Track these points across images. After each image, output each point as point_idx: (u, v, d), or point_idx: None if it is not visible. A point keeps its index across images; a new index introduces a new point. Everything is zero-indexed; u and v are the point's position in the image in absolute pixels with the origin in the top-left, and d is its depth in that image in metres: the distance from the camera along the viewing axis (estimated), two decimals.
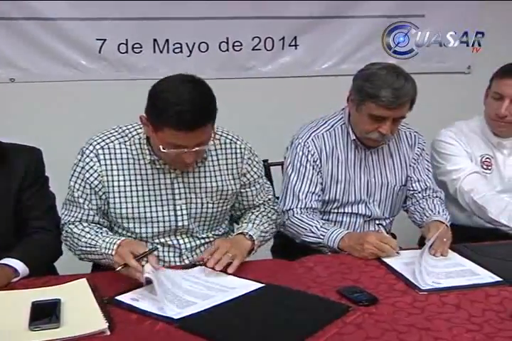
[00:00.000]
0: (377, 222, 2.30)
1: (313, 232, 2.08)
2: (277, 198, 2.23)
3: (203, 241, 2.02)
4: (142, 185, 1.88)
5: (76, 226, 1.87)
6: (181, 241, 1.98)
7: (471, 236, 2.12)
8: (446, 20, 3.34)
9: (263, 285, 1.69)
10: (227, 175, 1.98)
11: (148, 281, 1.58)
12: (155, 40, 3.09)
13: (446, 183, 2.41)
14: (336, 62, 3.33)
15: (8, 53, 2.97)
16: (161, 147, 1.74)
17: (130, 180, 1.88)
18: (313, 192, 2.18)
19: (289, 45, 3.26)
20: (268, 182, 2.17)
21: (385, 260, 1.89)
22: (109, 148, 1.87)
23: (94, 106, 3.06)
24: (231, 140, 2.00)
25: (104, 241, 1.76)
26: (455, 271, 1.82)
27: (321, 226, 2.08)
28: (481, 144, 2.45)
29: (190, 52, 3.15)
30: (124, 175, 1.87)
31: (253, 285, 1.69)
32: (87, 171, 1.86)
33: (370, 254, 1.90)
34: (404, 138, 2.30)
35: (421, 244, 2.15)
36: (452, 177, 2.38)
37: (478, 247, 2.01)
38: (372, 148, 2.22)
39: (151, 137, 1.82)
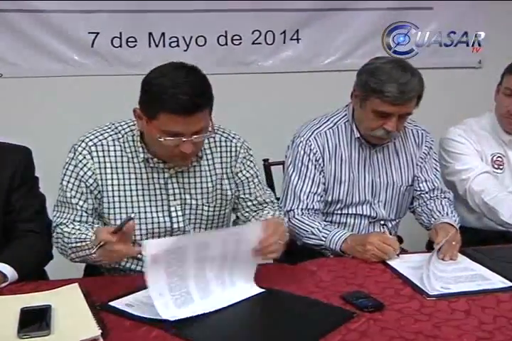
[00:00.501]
0: (382, 223, 2.28)
1: (314, 234, 2.07)
2: (278, 199, 2.22)
3: None
4: (136, 184, 1.86)
5: (67, 225, 1.83)
6: None
7: (482, 239, 2.13)
8: (450, 17, 3.34)
9: (263, 290, 1.68)
10: (222, 174, 1.95)
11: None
12: (150, 33, 3.07)
13: (455, 183, 2.39)
14: (339, 56, 3.31)
15: None
16: (157, 137, 1.69)
17: (124, 178, 1.85)
18: (315, 193, 2.17)
19: (291, 39, 3.23)
20: (269, 189, 2.12)
21: (391, 264, 1.86)
22: (102, 145, 1.84)
23: (87, 103, 3.04)
24: (226, 138, 1.96)
25: (93, 233, 1.71)
26: (465, 275, 1.79)
27: (323, 228, 2.07)
28: (492, 142, 2.43)
29: (187, 46, 3.12)
30: (117, 173, 1.85)
31: (253, 290, 1.67)
32: (81, 169, 1.83)
33: (371, 256, 1.88)
34: (411, 135, 2.27)
35: (429, 247, 2.15)
36: (461, 177, 2.36)
37: (488, 251, 1.99)
38: (377, 146, 2.20)
39: (145, 131, 1.78)
